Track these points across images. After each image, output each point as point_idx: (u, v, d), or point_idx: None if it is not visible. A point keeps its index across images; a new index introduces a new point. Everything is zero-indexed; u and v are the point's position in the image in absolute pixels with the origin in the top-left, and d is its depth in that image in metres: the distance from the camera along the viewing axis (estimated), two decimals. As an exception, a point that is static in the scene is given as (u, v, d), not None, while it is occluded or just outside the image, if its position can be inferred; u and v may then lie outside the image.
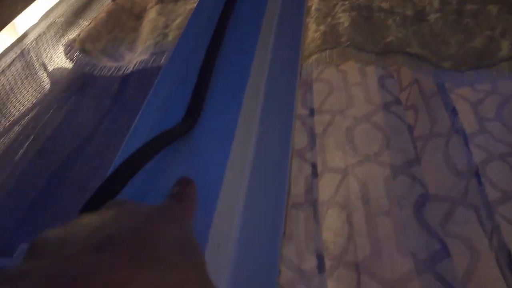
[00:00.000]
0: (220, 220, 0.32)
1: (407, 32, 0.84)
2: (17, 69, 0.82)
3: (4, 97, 0.80)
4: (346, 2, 0.92)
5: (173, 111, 0.41)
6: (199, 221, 0.29)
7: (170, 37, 0.85)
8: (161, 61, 0.78)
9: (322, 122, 0.70)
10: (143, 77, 0.80)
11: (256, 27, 0.60)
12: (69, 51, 0.83)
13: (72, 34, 0.97)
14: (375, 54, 0.77)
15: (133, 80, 0.80)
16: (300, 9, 0.72)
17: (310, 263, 0.51)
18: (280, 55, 0.65)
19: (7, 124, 0.79)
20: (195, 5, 0.94)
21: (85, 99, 0.77)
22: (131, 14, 1.01)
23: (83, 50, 0.82)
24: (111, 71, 0.78)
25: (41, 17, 0.94)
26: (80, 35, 0.87)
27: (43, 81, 0.82)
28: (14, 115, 0.80)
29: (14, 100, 0.81)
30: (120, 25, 0.96)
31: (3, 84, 0.79)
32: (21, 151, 0.75)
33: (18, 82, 0.82)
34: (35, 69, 0.85)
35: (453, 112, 0.67)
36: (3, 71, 0.78)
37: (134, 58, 0.82)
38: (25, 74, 0.84)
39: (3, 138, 0.77)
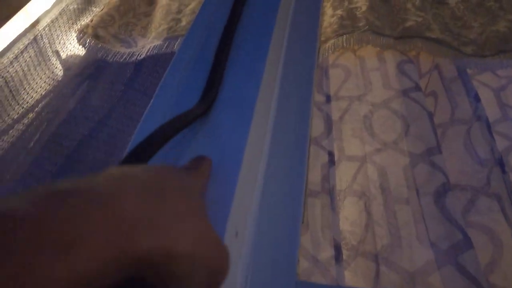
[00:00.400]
0: (238, 207, 0.31)
1: (427, 15, 0.81)
2: (30, 56, 0.81)
3: (18, 84, 0.80)
4: (364, -15, 0.90)
5: (188, 95, 0.40)
6: (217, 208, 0.28)
7: (183, 22, 0.83)
8: (175, 47, 0.77)
9: (339, 109, 0.68)
10: (157, 63, 0.79)
11: (273, 10, 0.59)
12: (82, 37, 0.82)
13: (85, 20, 0.96)
14: (393, 38, 0.75)
15: (146, 65, 0.79)
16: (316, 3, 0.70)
17: (327, 253, 0.50)
18: (297, 39, 0.63)
19: (21, 110, 0.79)
20: (208, -11, 0.93)
21: (98, 84, 0.76)
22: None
23: (96, 36, 0.81)
24: (124, 57, 0.77)
25: (54, 2, 0.93)
26: (93, 21, 0.86)
27: (56, 67, 0.82)
28: (27, 102, 0.80)
29: (27, 86, 0.81)
30: (132, 10, 0.95)
31: (16, 70, 0.79)
32: (36, 137, 0.75)
33: (32, 68, 0.82)
34: (48, 56, 0.85)
35: (475, 98, 0.65)
36: (16, 57, 0.78)
37: (147, 44, 0.81)
38: (38, 60, 0.83)
39: (17, 124, 0.77)
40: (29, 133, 0.76)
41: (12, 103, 0.78)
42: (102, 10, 0.90)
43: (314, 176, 0.56)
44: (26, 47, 0.81)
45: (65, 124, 0.70)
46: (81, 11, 0.99)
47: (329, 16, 0.83)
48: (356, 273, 0.49)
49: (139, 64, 0.79)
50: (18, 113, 0.78)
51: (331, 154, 0.57)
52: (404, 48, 0.73)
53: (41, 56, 0.84)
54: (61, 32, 0.90)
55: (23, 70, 0.80)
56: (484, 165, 0.58)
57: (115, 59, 0.77)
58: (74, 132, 0.69)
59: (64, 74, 0.79)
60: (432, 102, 0.71)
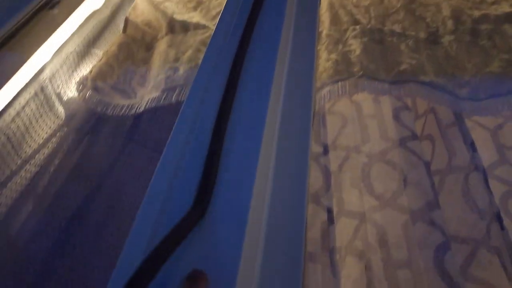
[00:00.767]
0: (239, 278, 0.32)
1: (421, 57, 0.82)
2: (32, 109, 0.83)
3: (20, 138, 0.81)
4: (357, 27, 0.91)
5: (186, 179, 0.41)
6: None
7: (181, 71, 0.85)
8: (173, 98, 0.78)
9: (337, 158, 0.69)
10: (156, 113, 0.81)
11: (271, 68, 0.60)
12: (82, 89, 0.84)
13: (85, 66, 0.98)
14: (388, 83, 0.76)
15: (145, 117, 0.80)
16: (311, 50, 0.71)
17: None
18: (294, 94, 0.64)
19: (21, 163, 0.80)
20: (204, 36, 0.94)
21: (99, 139, 0.77)
22: (142, 44, 1.01)
23: (95, 89, 0.83)
24: (124, 110, 0.78)
25: (54, 53, 0.94)
26: (92, 72, 0.87)
27: (56, 121, 0.83)
28: (29, 155, 0.81)
29: (29, 139, 0.82)
30: (131, 57, 0.96)
31: (18, 125, 0.80)
32: (35, 193, 0.76)
33: (33, 121, 0.83)
34: (49, 108, 0.86)
35: (472, 146, 0.66)
36: (18, 113, 0.79)
37: (146, 94, 0.82)
38: (39, 113, 0.85)
39: (16, 177, 0.78)
40: (30, 188, 0.77)
41: (15, 158, 0.80)
42: (101, 60, 0.92)
43: (313, 234, 0.57)
44: (28, 101, 0.83)
45: (66, 182, 0.71)
46: (81, 57, 1.00)
47: (324, 60, 0.84)
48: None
49: (139, 116, 0.81)
50: (17, 165, 0.79)
51: (330, 212, 0.57)
52: (399, 94, 0.74)
53: (43, 109, 0.86)
54: (62, 83, 0.91)
55: (24, 125, 0.82)
56: (483, 216, 0.59)
57: (114, 112, 0.78)
58: (76, 190, 0.70)
59: (65, 129, 0.81)
60: (429, 147, 0.72)
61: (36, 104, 0.84)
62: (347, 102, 0.76)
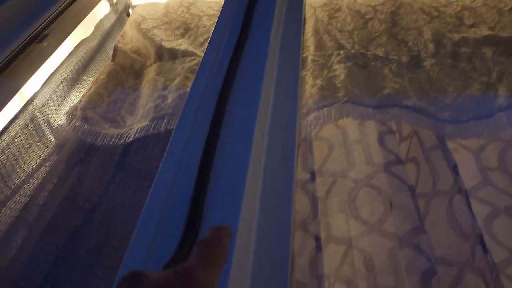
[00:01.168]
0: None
1: (404, 81, 0.84)
2: (21, 140, 0.83)
3: (10, 169, 0.81)
4: (342, 52, 0.93)
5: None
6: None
7: (169, 99, 0.86)
8: (162, 127, 0.79)
9: (324, 184, 0.70)
10: (145, 142, 0.82)
11: (257, 95, 0.62)
12: (71, 120, 0.84)
13: (75, 95, 0.99)
14: (372, 108, 0.78)
15: (135, 146, 0.81)
16: (295, 76, 0.73)
17: None
18: (279, 120, 0.66)
19: (10, 193, 0.80)
20: (192, 63, 0.96)
21: (89, 169, 0.78)
22: (131, 72, 1.02)
23: (84, 118, 0.83)
24: (113, 139, 0.79)
25: (44, 82, 0.95)
26: (81, 102, 0.88)
27: (46, 151, 0.84)
28: (18, 186, 0.81)
29: (19, 170, 0.82)
30: (121, 85, 0.97)
31: (7, 157, 0.80)
32: (25, 225, 0.76)
33: (23, 152, 0.84)
34: (39, 137, 0.87)
35: (455, 168, 0.67)
36: (7, 145, 0.80)
37: (135, 123, 0.83)
38: (28, 144, 0.85)
39: (4, 208, 0.78)
40: (19, 218, 0.77)
41: (5, 190, 0.80)
42: (90, 89, 0.93)
43: (302, 262, 0.57)
44: (17, 133, 0.83)
45: (56, 215, 0.71)
46: (72, 83, 1.01)
47: (310, 86, 0.86)
48: None
49: (128, 145, 0.81)
50: (6, 196, 0.79)
51: (318, 239, 0.58)
52: (383, 118, 0.76)
53: (33, 139, 0.86)
54: (52, 112, 0.92)
55: (14, 156, 0.82)
56: (467, 239, 0.60)
57: (104, 142, 0.79)
58: (67, 221, 0.71)
59: (55, 160, 0.81)
60: (414, 170, 0.73)
61: (25, 135, 0.84)
62: (333, 128, 0.78)
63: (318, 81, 0.86)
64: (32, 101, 0.90)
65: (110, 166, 0.77)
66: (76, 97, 0.98)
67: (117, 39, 1.12)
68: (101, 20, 1.16)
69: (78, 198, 0.73)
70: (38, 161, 0.85)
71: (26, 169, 0.83)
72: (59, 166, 0.80)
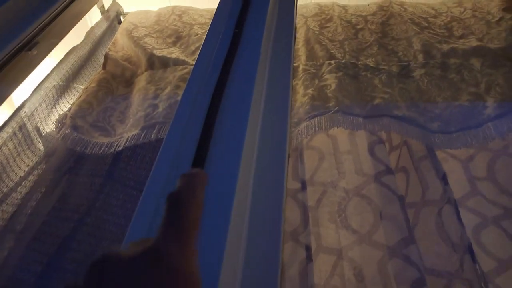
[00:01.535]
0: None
1: (393, 91, 0.85)
2: (9, 149, 0.82)
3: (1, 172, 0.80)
4: (333, 61, 0.94)
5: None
6: None
7: (160, 108, 0.86)
8: (152, 135, 0.79)
9: (314, 194, 0.70)
10: (135, 151, 0.81)
11: (248, 104, 0.62)
12: (61, 128, 0.84)
13: (65, 102, 0.98)
14: (363, 118, 0.78)
15: (124, 154, 0.81)
16: (286, 86, 0.73)
17: None
18: (270, 129, 0.66)
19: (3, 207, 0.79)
20: (183, 72, 0.96)
21: (78, 178, 0.77)
22: (121, 80, 1.02)
23: (74, 127, 0.83)
24: (103, 148, 0.78)
25: (33, 90, 0.94)
26: (71, 110, 0.88)
27: (34, 159, 0.83)
28: (7, 195, 0.80)
29: (6, 179, 0.81)
30: (111, 94, 0.97)
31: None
32: (14, 233, 0.75)
33: (11, 161, 0.83)
34: (27, 146, 0.86)
35: (444, 179, 0.68)
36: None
37: (125, 132, 0.83)
38: (17, 152, 0.84)
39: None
40: (8, 228, 0.76)
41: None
42: (80, 97, 0.92)
43: (293, 273, 0.57)
44: (5, 141, 0.82)
45: (45, 224, 0.71)
46: (62, 90, 1.00)
47: (301, 96, 0.86)
48: None
49: (118, 153, 0.81)
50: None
51: (308, 249, 0.58)
52: (373, 128, 0.76)
53: (21, 147, 0.85)
54: (41, 120, 0.91)
55: (1, 164, 0.81)
56: (456, 250, 0.60)
57: (93, 151, 0.78)
58: (55, 229, 0.70)
59: (44, 169, 0.80)
60: (403, 180, 0.74)
61: (14, 143, 0.83)
62: (324, 137, 0.78)
63: (309, 91, 0.86)
64: (21, 109, 0.89)
65: (100, 176, 0.76)
66: (66, 105, 0.98)
67: (108, 46, 1.12)
68: (92, 28, 1.15)
69: (66, 208, 0.72)
70: (26, 169, 0.84)
71: (14, 178, 0.82)
72: (48, 175, 0.79)
